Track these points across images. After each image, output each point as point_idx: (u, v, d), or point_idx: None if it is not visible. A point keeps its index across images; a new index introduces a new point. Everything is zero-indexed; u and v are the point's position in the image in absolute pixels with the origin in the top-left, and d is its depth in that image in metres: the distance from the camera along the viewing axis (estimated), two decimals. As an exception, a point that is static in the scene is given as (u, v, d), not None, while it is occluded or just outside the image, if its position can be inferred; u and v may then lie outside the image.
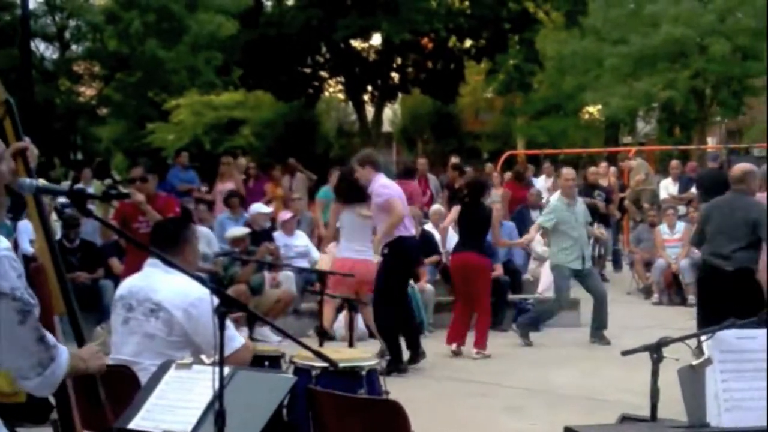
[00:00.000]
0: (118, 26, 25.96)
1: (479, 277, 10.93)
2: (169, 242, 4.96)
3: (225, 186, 15.58)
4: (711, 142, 35.63)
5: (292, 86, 35.09)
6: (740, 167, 8.78)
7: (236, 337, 4.72)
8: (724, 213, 8.45)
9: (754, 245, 8.17)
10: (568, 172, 12.37)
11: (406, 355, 9.93)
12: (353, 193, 9.93)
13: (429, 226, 14.33)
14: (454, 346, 10.88)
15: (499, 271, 12.75)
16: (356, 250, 9.93)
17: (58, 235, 11.78)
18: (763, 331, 4.08)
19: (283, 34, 32.09)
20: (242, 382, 3.72)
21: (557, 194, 12.24)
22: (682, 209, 16.63)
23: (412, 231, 9.86)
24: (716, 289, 8.26)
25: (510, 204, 16.57)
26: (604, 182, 17.54)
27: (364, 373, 5.21)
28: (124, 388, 4.25)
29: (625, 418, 4.29)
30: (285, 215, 13.24)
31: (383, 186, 9.63)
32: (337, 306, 10.51)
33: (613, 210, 17.73)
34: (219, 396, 3.28)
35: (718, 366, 3.90)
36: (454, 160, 19.25)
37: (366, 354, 5.66)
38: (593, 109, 39.31)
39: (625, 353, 4.24)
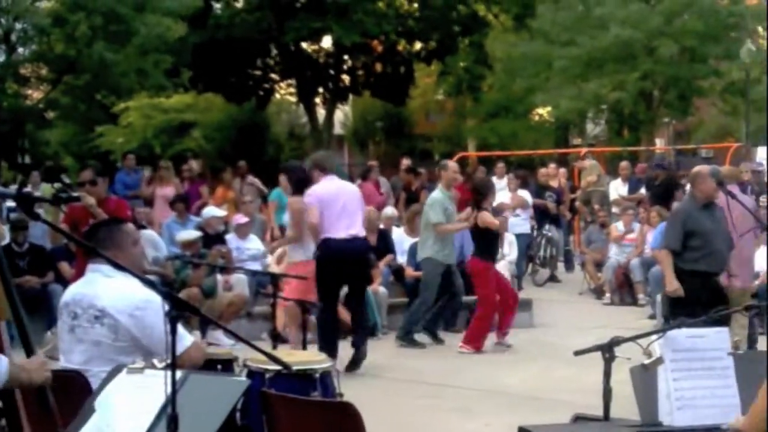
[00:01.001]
0: (65, 29, 25.68)
1: (480, 282, 11.27)
2: (106, 244, 4.84)
3: (164, 190, 15.53)
4: (659, 143, 36.04)
5: (242, 89, 34.99)
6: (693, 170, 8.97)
7: (186, 336, 4.63)
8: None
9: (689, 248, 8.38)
10: (454, 165, 12.39)
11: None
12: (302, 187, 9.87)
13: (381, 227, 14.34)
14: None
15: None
16: (305, 250, 9.83)
17: (7, 239, 11.66)
18: (712, 329, 4.12)
19: (233, 37, 31.97)
20: (195, 385, 3.69)
21: (439, 187, 11.98)
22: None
23: (340, 234, 9.66)
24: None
25: (461, 205, 16.59)
26: (554, 183, 17.66)
27: (317, 375, 5.20)
28: (75, 395, 4.20)
29: (578, 418, 4.31)
30: (240, 218, 13.17)
31: (308, 193, 9.64)
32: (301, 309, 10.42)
33: (564, 211, 17.85)
34: (171, 400, 3.25)
35: (670, 365, 3.93)
36: (406, 162, 19.28)
37: (319, 356, 5.65)
38: (543, 111, 39.56)
39: (577, 353, 4.26)
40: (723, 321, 7.29)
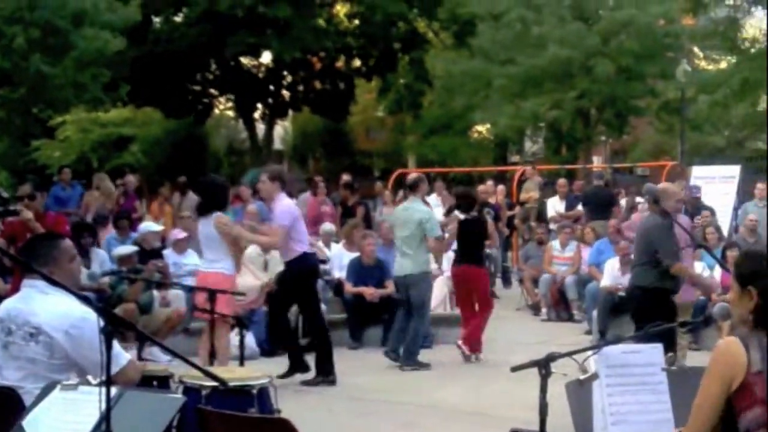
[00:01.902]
0: (1, 42, 25.33)
1: (479, 287, 11.48)
2: (43, 260, 4.77)
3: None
4: (596, 161, 36.39)
5: (181, 103, 34.76)
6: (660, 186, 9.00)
7: (122, 354, 4.57)
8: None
9: (651, 263, 8.33)
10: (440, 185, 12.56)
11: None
12: (211, 203, 9.74)
13: (320, 245, 14.33)
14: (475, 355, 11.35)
15: (390, 288, 12.77)
16: (210, 260, 9.77)
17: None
18: (646, 345, 4.18)
19: (172, 51, 31.76)
20: (130, 402, 3.65)
21: (419, 199, 11.90)
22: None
23: (308, 248, 9.99)
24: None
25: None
26: (492, 200, 17.78)
27: (254, 391, 5.17)
28: (8, 412, 4.13)
29: (515, 433, 4.34)
30: (178, 233, 13.06)
31: (288, 213, 9.65)
32: (230, 325, 10.38)
33: (502, 227, 17.97)
34: (106, 417, 3.21)
35: (605, 380, 3.97)
36: (346, 178, 19.30)
37: (257, 373, 5.62)
38: (482, 128, 39.85)
39: (514, 369, 4.29)
40: (671, 337, 7.40)
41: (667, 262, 8.16)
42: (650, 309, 7.89)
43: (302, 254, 9.72)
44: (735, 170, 19.73)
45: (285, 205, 9.65)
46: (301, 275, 9.80)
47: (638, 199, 14.99)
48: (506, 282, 18.28)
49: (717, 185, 17.58)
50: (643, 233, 8.43)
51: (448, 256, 14.21)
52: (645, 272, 8.28)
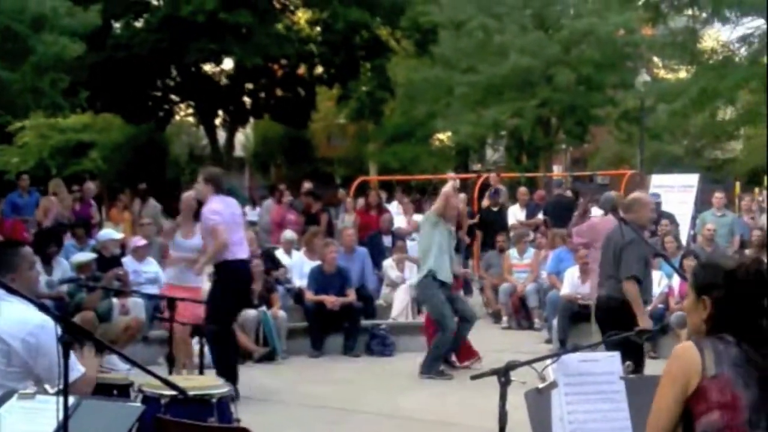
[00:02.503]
0: (-42, 47, 25.11)
1: None
2: (2, 267, 4.71)
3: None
4: (557, 170, 36.63)
5: (141, 109, 34.61)
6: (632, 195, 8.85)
7: (75, 367, 4.54)
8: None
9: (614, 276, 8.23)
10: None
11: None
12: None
13: (280, 252, 14.31)
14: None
15: (351, 296, 12.77)
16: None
17: None
18: (605, 354, 4.20)
19: (133, 57, 31.61)
20: (88, 411, 3.63)
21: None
22: (530, 235, 16.97)
23: (240, 255, 9.53)
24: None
25: (361, 229, 16.70)
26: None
27: (214, 401, 5.15)
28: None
29: (474, 441, 4.35)
30: (138, 241, 12.97)
31: (213, 212, 9.43)
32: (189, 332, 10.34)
33: (463, 236, 17.99)
34: (63, 426, 3.19)
35: (563, 389, 3.99)
36: (308, 185, 19.27)
37: (217, 381, 5.59)
38: (443, 136, 39.97)
39: (474, 377, 4.30)
40: (639, 348, 7.37)
41: (625, 274, 8.10)
42: (621, 320, 7.70)
43: (225, 261, 9.39)
44: (693, 179, 19.90)
45: (209, 209, 9.52)
46: (220, 282, 9.47)
47: (596, 209, 15.07)
48: (467, 290, 18.29)
49: (675, 194, 17.73)
50: (611, 246, 8.34)
51: (409, 265, 14.25)
52: (616, 284, 8.22)
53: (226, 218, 9.40)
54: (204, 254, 9.60)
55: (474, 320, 11.33)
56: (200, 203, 9.73)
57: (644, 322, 7.77)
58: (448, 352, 11.22)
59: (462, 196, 19.12)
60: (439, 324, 10.94)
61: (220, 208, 9.43)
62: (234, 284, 9.39)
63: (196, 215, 9.85)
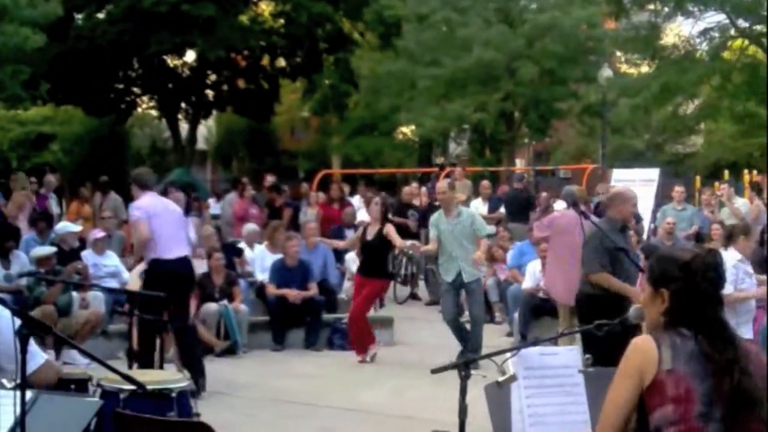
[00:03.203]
0: None
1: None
2: None
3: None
4: (519, 164, 36.82)
5: (103, 101, 34.33)
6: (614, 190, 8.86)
7: (38, 354, 4.49)
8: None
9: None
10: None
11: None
12: None
13: (242, 245, 14.26)
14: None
15: (313, 290, 12.75)
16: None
17: None
18: (564, 348, 4.22)
19: (94, 48, 31.35)
20: (46, 406, 3.60)
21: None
22: (492, 229, 17.02)
23: (172, 254, 9.35)
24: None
25: (324, 223, 16.69)
26: (416, 202, 17.82)
27: (174, 395, 5.12)
28: None
29: (435, 435, 4.36)
30: (97, 233, 12.87)
31: (135, 207, 9.35)
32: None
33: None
34: (21, 421, 3.16)
35: (523, 382, 4.01)
36: (270, 178, 19.22)
37: (176, 376, 5.57)
38: (407, 130, 39.98)
39: (434, 371, 4.30)
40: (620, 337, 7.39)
41: (586, 270, 8.15)
42: (602, 315, 7.71)
43: (153, 259, 9.31)
44: (654, 173, 20.06)
45: (133, 205, 9.43)
46: (147, 280, 9.32)
47: (558, 204, 15.13)
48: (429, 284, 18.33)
49: (636, 188, 17.70)
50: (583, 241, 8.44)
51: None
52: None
53: (153, 214, 9.26)
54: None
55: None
56: None
57: (638, 296, 7.86)
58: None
59: (425, 189, 19.23)
60: None
61: (145, 203, 9.33)
62: (161, 284, 8.88)
63: None
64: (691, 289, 3.36)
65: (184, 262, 9.50)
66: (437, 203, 17.15)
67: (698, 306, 3.35)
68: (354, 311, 11.51)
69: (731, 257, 8.95)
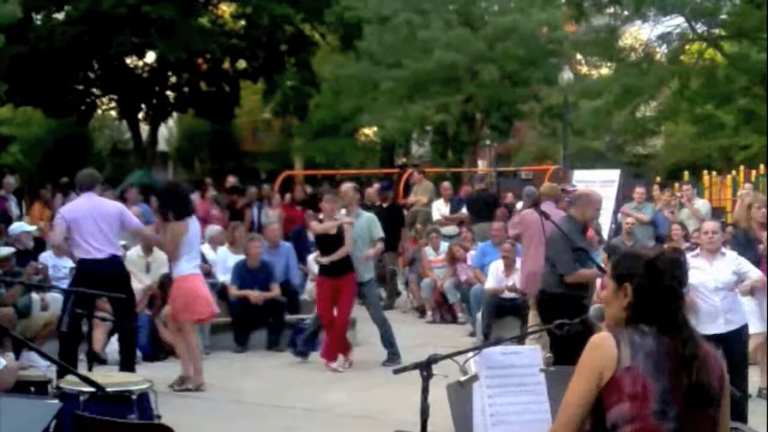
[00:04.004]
0: None
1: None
2: None
3: None
4: (481, 165, 36.92)
5: (63, 103, 34.02)
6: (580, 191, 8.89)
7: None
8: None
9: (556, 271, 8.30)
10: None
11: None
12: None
13: (205, 247, 14.19)
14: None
15: (275, 291, 12.71)
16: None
17: None
18: (526, 347, 4.24)
19: (54, 50, 31.06)
20: (5, 409, 3.57)
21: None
22: (454, 230, 17.07)
23: (95, 254, 9.40)
24: None
25: (287, 224, 16.66)
26: (377, 203, 17.81)
27: (134, 397, 5.09)
28: None
29: (397, 435, 4.36)
30: (57, 236, 12.76)
31: (59, 210, 9.54)
32: (109, 329, 10.25)
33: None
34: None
35: (485, 382, 4.01)
36: (232, 179, 19.15)
37: (136, 378, 5.53)
38: (369, 131, 40.00)
39: (396, 371, 4.29)
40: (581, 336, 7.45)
41: (562, 272, 8.20)
42: (559, 315, 7.71)
43: (80, 259, 9.42)
44: (615, 174, 20.16)
45: (60, 208, 9.56)
46: (73, 280, 9.42)
47: (519, 204, 15.21)
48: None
49: (597, 189, 17.85)
50: (547, 241, 8.43)
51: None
52: (552, 279, 8.30)
53: (75, 217, 9.37)
54: None
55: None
56: None
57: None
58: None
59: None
60: None
61: (69, 207, 9.57)
62: (89, 281, 8.83)
63: None
64: (655, 285, 3.38)
65: (112, 262, 9.55)
66: (385, 204, 17.20)
67: (662, 302, 3.37)
68: (343, 319, 11.37)
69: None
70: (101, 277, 9.12)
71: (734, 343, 7.80)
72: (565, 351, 4.56)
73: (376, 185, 19.32)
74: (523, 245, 11.47)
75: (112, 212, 9.81)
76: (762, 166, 21.30)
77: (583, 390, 3.31)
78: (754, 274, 8.51)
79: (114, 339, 10.42)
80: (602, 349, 3.31)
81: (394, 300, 16.37)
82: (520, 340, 7.37)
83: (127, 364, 9.15)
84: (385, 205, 16.00)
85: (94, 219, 9.40)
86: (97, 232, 9.38)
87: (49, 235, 9.36)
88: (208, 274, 13.39)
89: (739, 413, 6.94)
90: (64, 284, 11.46)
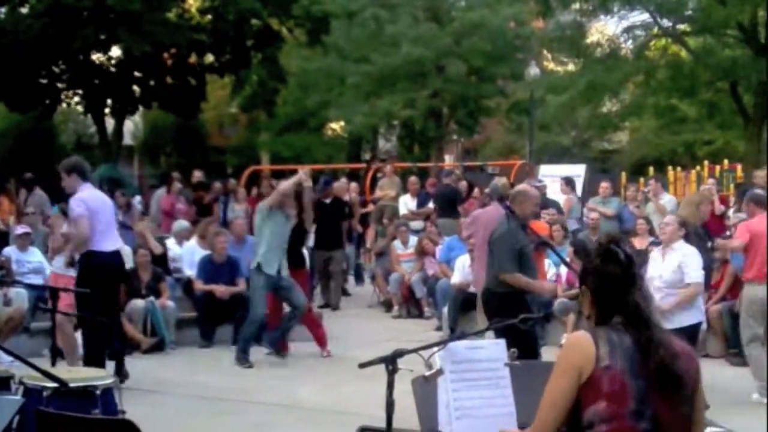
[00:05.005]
0: None
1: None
2: None
3: None
4: (448, 160, 36.97)
5: (27, 97, 33.70)
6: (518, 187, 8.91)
7: None
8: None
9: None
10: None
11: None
12: None
13: (171, 242, 14.14)
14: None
15: (241, 285, 12.68)
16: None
17: None
18: (490, 341, 4.25)
19: (18, 43, 30.76)
20: (-34, 405, 3.53)
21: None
22: (421, 224, 17.09)
23: (107, 247, 9.37)
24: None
25: (252, 219, 16.58)
26: (346, 197, 17.80)
27: (98, 392, 5.06)
28: None
29: (363, 430, 4.36)
30: (20, 229, 12.68)
31: (79, 201, 9.24)
32: (73, 324, 10.17)
33: (355, 224, 18.04)
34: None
35: (449, 376, 4.02)
36: (198, 174, 19.08)
37: (101, 373, 5.50)
38: (336, 126, 39.96)
39: (362, 366, 4.29)
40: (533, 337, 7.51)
41: (500, 269, 8.19)
42: (504, 311, 7.72)
43: (88, 251, 9.26)
44: (580, 169, 20.29)
45: (76, 197, 9.30)
46: (82, 273, 9.30)
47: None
48: (359, 279, 18.38)
49: (563, 184, 17.99)
50: (491, 239, 8.43)
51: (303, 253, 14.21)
52: (494, 276, 8.30)
53: (92, 208, 9.24)
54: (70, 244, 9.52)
55: (302, 309, 11.34)
56: None
57: (545, 291, 8.02)
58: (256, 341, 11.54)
59: (354, 185, 19.24)
60: (249, 313, 11.22)
61: (86, 197, 9.28)
62: (96, 276, 9.10)
63: None
64: (602, 275, 3.38)
65: (118, 256, 9.57)
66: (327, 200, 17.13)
67: (613, 290, 3.36)
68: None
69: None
70: (108, 270, 9.29)
71: None
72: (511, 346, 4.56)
73: (343, 179, 19.33)
74: (476, 245, 11.47)
75: (111, 204, 9.88)
76: (726, 162, 21.49)
77: (563, 389, 3.30)
78: (689, 278, 8.52)
79: (78, 334, 10.34)
80: (580, 348, 3.30)
81: (339, 300, 15.98)
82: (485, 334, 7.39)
83: (93, 359, 9.07)
84: (327, 201, 15.92)
85: (102, 211, 9.37)
86: (104, 224, 9.34)
87: (76, 232, 9.15)
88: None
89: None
90: (29, 279, 11.43)
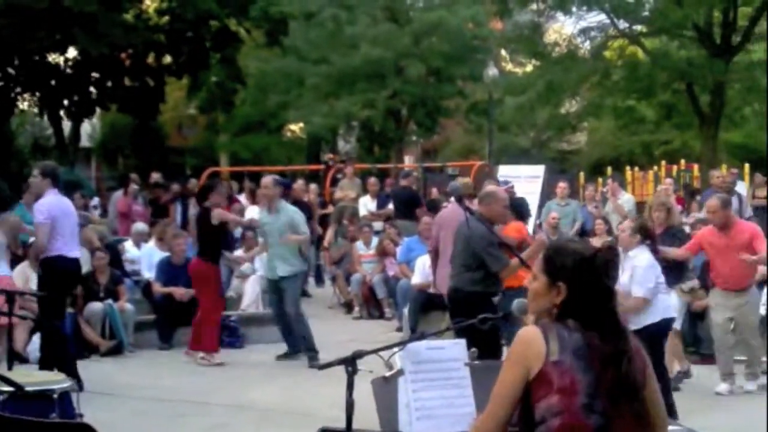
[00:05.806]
0: None
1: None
2: None
3: None
4: (408, 161, 37.03)
5: (-18, 99, 33.38)
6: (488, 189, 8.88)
7: None
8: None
9: (473, 268, 8.28)
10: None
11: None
12: None
13: (129, 244, 14.04)
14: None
15: (200, 288, 12.60)
16: None
17: None
18: (451, 341, 4.25)
19: (-28, 45, 30.45)
20: None
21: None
22: (380, 225, 17.09)
23: (71, 254, 9.30)
24: None
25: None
26: (305, 198, 17.76)
27: (56, 396, 5.01)
28: None
29: (323, 431, 4.34)
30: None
31: (41, 207, 9.16)
32: (30, 327, 10.08)
33: (315, 226, 17.98)
34: None
35: (410, 376, 4.02)
36: (156, 176, 18.96)
37: (58, 376, 5.44)
38: (295, 127, 39.88)
39: (321, 367, 4.28)
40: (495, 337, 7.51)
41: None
42: (470, 311, 7.58)
43: (55, 256, 9.16)
44: (539, 170, 20.40)
45: (44, 202, 9.27)
46: (47, 277, 9.22)
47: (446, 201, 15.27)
48: (319, 280, 18.33)
49: (522, 184, 18.06)
50: (467, 240, 8.33)
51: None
52: (467, 276, 8.26)
53: (55, 214, 9.17)
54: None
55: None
56: None
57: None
58: None
59: (313, 186, 19.20)
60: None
61: (50, 203, 9.20)
62: (60, 281, 9.11)
63: None
64: (591, 284, 3.39)
65: (78, 264, 9.57)
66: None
67: (597, 300, 3.38)
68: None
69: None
70: (70, 276, 9.31)
71: None
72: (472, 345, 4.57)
73: (301, 180, 19.28)
74: (440, 246, 11.43)
75: (73, 211, 9.73)
76: (683, 162, 21.69)
77: (511, 383, 3.31)
78: (634, 291, 8.41)
79: (35, 338, 10.24)
80: (530, 343, 3.32)
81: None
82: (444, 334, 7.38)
83: (49, 363, 8.99)
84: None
85: (66, 217, 9.30)
86: (68, 230, 9.27)
87: (37, 242, 9.11)
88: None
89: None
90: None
